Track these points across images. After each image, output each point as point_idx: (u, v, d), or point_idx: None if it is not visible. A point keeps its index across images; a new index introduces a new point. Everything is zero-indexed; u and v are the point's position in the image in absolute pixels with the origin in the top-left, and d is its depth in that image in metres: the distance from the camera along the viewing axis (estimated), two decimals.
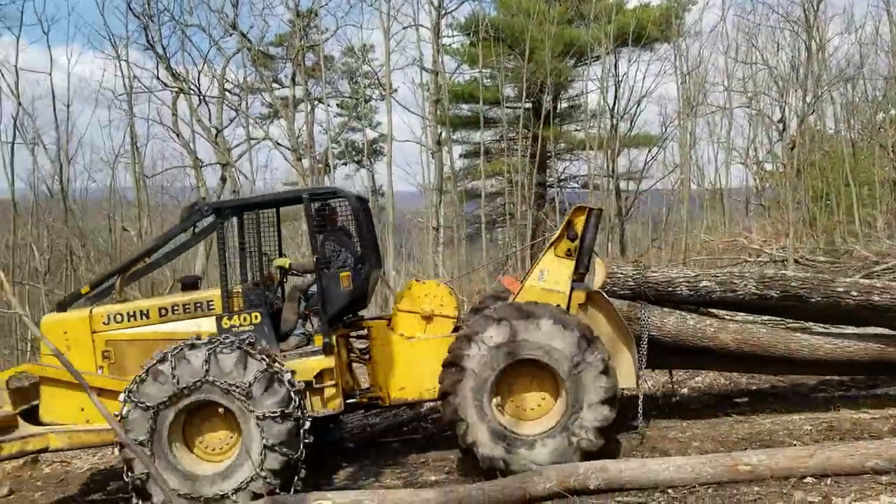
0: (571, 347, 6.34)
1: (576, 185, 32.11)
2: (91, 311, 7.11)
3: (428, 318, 7.33)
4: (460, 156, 31.31)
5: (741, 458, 5.86)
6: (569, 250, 6.97)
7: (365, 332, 7.46)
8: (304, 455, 6.33)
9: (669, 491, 5.69)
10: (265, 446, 6.13)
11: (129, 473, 6.20)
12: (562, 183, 31.47)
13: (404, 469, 7.47)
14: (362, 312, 7.85)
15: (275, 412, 6.15)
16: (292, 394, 6.32)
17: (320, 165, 27.37)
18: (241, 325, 6.86)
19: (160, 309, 7.01)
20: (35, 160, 29.04)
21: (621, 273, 7.48)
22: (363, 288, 7.22)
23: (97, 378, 6.88)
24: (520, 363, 6.50)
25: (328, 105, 28.07)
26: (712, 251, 20.03)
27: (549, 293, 6.86)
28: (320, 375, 6.88)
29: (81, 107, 66.82)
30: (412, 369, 7.13)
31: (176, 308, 7.00)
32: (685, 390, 9.22)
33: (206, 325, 6.87)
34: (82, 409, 6.84)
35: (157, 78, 23.10)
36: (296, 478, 6.31)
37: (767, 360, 7.25)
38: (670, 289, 7.27)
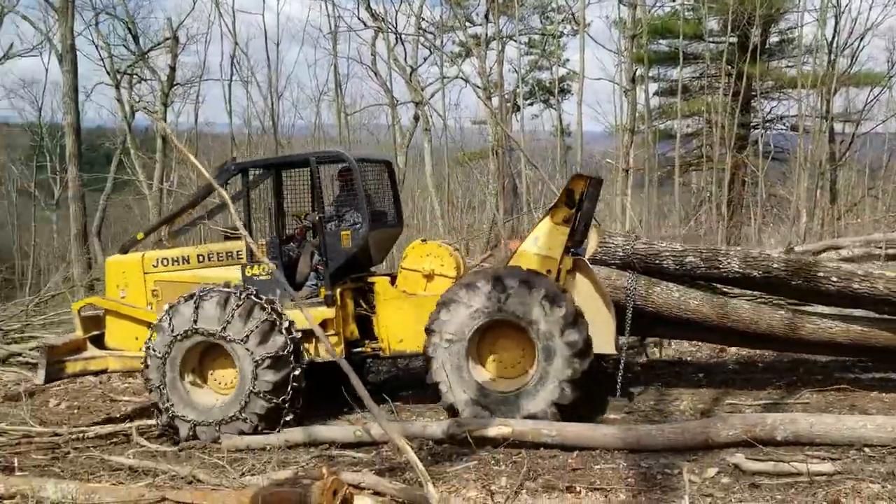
0: (551, 323, 6.51)
1: (783, 127, 29.77)
2: (143, 255, 8.03)
3: (429, 277, 7.60)
4: (655, 94, 29.97)
5: None
6: (566, 218, 7.03)
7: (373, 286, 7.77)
8: (300, 369, 7.06)
9: (866, 449, 5.35)
10: (253, 363, 6.91)
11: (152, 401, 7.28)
12: (767, 124, 29.32)
13: (584, 406, 7.56)
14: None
15: (261, 349, 6.89)
16: (277, 329, 7.00)
17: (509, 104, 27.40)
18: (260, 274, 7.52)
19: (198, 256, 7.83)
20: (249, 97, 31.40)
21: (612, 243, 7.46)
22: (364, 246, 7.55)
23: (146, 313, 7.78)
24: (498, 323, 6.73)
25: (519, 43, 27.88)
26: None
27: (541, 258, 7.02)
28: (323, 325, 7.36)
29: (289, 45, 70.85)
30: (411, 324, 7.33)
31: (211, 256, 7.79)
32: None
33: (235, 273, 7.59)
34: (136, 339, 7.70)
35: (358, 17, 24.01)
36: (286, 404, 6.98)
37: (750, 335, 7.18)
38: (657, 261, 7.25)
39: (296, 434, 6.79)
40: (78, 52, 19.08)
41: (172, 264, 7.86)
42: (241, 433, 6.94)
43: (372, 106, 28.37)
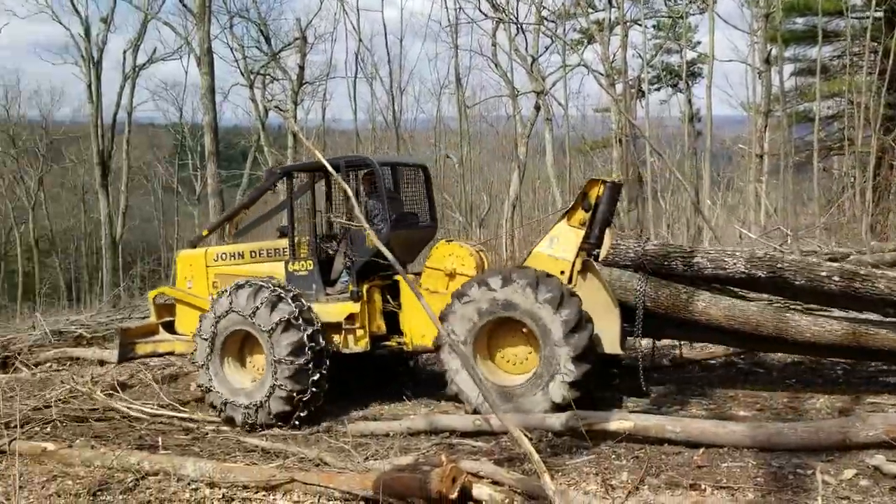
0: (543, 308, 6.75)
1: None
2: (206, 250, 8.75)
3: (451, 276, 7.80)
4: (791, 75, 28.34)
5: None
6: (582, 221, 7.30)
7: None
8: (320, 374, 7.46)
9: None
10: (275, 362, 7.36)
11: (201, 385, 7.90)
12: None
13: (712, 401, 7.32)
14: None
15: (280, 331, 7.36)
16: (297, 317, 7.41)
17: (633, 90, 26.71)
18: (299, 270, 8.07)
19: (251, 252, 8.44)
20: (373, 93, 32.19)
21: (623, 245, 7.48)
22: (386, 246, 7.55)
23: (205, 301, 8.34)
24: (507, 320, 7.02)
25: (644, 26, 27.09)
26: None
27: (554, 260, 7.26)
28: (350, 318, 7.81)
29: (412, 40, 71.93)
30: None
31: (262, 252, 8.38)
32: None
33: (279, 269, 8.13)
34: None
35: (479, 9, 24.00)
36: (311, 395, 7.40)
37: (757, 337, 7.13)
38: (666, 263, 7.28)
39: (417, 422, 6.94)
40: (214, 55, 20.12)
41: (230, 259, 8.52)
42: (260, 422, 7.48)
43: (492, 97, 28.38)
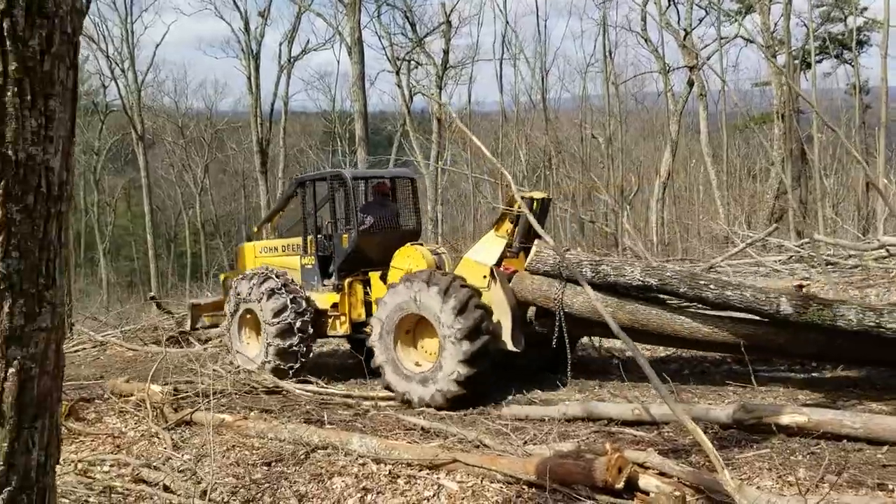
0: (446, 313, 7.59)
1: None
2: (255, 243, 10.65)
3: None
4: None
5: None
6: (508, 231, 8.18)
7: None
8: (303, 347, 9.12)
9: None
10: (266, 325, 9.12)
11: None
12: None
13: (895, 397, 6.79)
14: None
15: (265, 300, 9.15)
16: (277, 287, 9.16)
17: (796, 62, 25.04)
18: (308, 264, 9.66)
19: (282, 246, 10.13)
20: (518, 73, 32.09)
21: (545, 254, 8.00)
22: (357, 247, 9.19)
23: None
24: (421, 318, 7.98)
25: None
26: None
27: (479, 265, 8.15)
28: (334, 306, 9.32)
29: (555, 20, 70.89)
30: None
31: (288, 247, 10.02)
32: None
33: (296, 262, 9.76)
34: None
35: None
36: (299, 347, 9.07)
37: (660, 336, 7.73)
38: (580, 270, 7.70)
39: (574, 408, 6.87)
40: (363, 44, 20.59)
41: (269, 252, 10.26)
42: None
43: (642, 74, 27.52)
